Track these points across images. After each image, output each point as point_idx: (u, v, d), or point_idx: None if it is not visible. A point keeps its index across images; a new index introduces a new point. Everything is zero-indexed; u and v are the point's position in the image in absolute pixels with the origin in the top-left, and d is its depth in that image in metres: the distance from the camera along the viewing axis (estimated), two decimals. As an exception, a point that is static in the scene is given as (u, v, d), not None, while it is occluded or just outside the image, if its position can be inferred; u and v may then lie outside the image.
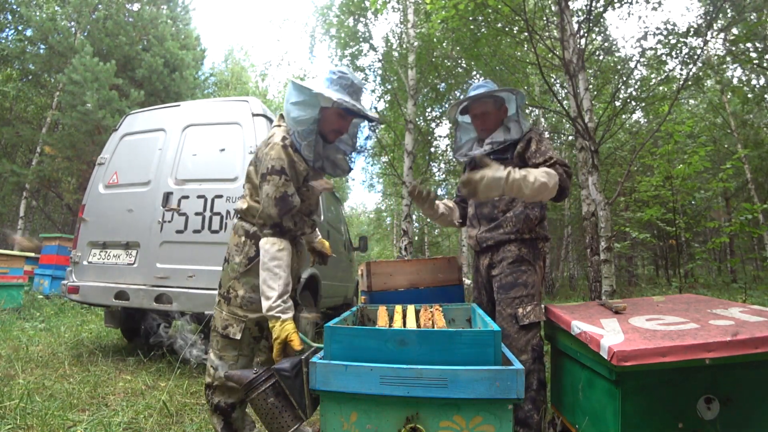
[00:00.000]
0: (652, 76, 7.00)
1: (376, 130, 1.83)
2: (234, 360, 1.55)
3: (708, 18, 5.61)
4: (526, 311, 1.71)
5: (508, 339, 1.70)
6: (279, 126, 1.65)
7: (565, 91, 7.17)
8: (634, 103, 7.43)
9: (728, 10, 6.11)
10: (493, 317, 1.91)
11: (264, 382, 1.30)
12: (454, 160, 12.02)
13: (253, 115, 3.18)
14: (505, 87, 1.95)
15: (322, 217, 4.30)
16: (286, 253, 1.48)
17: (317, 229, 2.01)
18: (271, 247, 1.47)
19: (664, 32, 5.79)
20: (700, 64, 6.21)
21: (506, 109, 1.96)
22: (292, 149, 1.55)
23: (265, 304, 1.41)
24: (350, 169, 1.79)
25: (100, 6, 10.54)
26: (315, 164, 1.61)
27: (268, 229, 1.50)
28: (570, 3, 5.49)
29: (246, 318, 1.55)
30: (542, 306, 1.79)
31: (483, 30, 6.44)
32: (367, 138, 1.82)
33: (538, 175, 1.58)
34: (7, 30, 11.23)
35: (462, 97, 2.02)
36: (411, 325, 1.60)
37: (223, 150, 3.14)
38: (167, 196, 3.17)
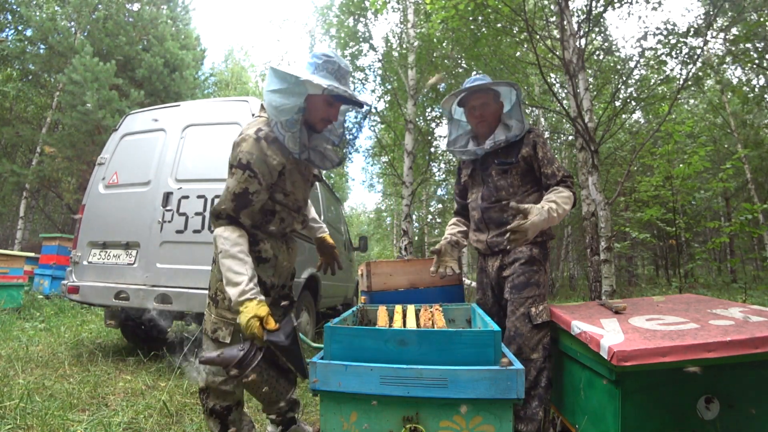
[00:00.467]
0: (652, 76, 7.01)
1: (368, 117, 1.73)
2: None
3: (708, 18, 5.61)
4: (539, 310, 1.72)
5: (522, 338, 1.70)
6: (260, 117, 1.56)
7: (566, 91, 7.17)
8: (634, 103, 7.43)
9: (728, 11, 6.11)
10: (499, 318, 1.91)
11: (255, 356, 1.30)
12: (453, 159, 12.01)
13: (253, 115, 3.17)
14: (505, 81, 1.96)
15: (322, 217, 4.30)
16: (245, 239, 1.42)
17: (323, 225, 1.97)
18: (231, 233, 1.39)
19: (664, 32, 5.79)
20: (700, 64, 6.21)
21: (503, 105, 1.96)
22: (266, 142, 1.44)
23: (235, 290, 1.33)
24: (340, 161, 1.68)
25: (100, 6, 10.54)
26: (301, 156, 1.51)
27: (223, 219, 1.43)
28: (570, 3, 5.49)
29: (234, 321, 1.48)
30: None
31: (483, 30, 6.44)
32: (361, 125, 1.75)
33: (563, 203, 1.71)
34: (7, 30, 11.24)
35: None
36: (411, 325, 1.61)
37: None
38: (167, 196, 3.17)
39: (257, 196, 1.44)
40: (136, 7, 11.28)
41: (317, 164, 1.60)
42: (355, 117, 1.93)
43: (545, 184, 1.85)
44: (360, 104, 1.55)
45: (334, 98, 1.49)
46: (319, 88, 1.40)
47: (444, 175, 13.20)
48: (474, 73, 8.57)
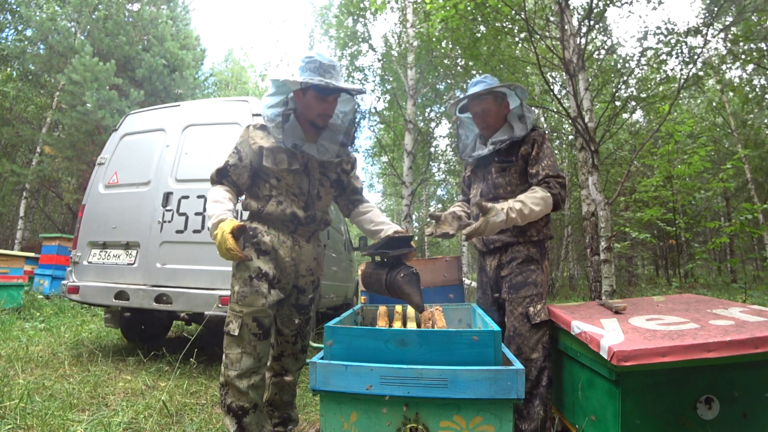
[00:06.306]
0: (652, 76, 7.00)
1: (361, 101, 1.79)
2: (238, 358, 1.52)
3: (708, 17, 5.61)
4: (537, 310, 1.72)
5: (521, 338, 1.70)
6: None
7: (566, 90, 7.17)
8: (634, 103, 7.43)
9: (730, 9, 6.11)
10: (498, 317, 1.91)
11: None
12: (453, 159, 12.01)
13: (253, 115, 3.17)
14: (504, 83, 1.92)
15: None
16: (230, 193, 1.65)
17: (368, 207, 1.86)
18: (214, 189, 1.64)
19: (665, 32, 5.79)
20: (701, 64, 6.21)
21: (508, 104, 1.94)
22: (254, 128, 1.70)
23: (209, 221, 1.53)
24: (337, 156, 1.71)
25: (100, 6, 10.53)
26: (286, 143, 1.62)
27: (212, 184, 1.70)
28: (570, 2, 5.49)
29: (242, 313, 1.54)
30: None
31: (483, 30, 6.44)
32: (357, 113, 1.76)
33: (533, 204, 1.67)
34: (7, 30, 11.23)
35: (462, 95, 2.01)
36: (411, 325, 1.61)
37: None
38: (167, 196, 3.17)
39: (235, 169, 1.67)
40: (136, 7, 11.27)
41: (310, 153, 1.66)
42: (355, 107, 1.85)
43: (529, 182, 1.83)
44: (344, 90, 1.65)
45: (319, 91, 1.61)
46: (296, 84, 1.59)
47: (444, 175, 13.20)
48: (474, 73, 8.57)
